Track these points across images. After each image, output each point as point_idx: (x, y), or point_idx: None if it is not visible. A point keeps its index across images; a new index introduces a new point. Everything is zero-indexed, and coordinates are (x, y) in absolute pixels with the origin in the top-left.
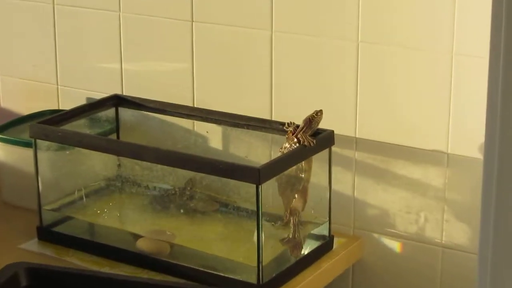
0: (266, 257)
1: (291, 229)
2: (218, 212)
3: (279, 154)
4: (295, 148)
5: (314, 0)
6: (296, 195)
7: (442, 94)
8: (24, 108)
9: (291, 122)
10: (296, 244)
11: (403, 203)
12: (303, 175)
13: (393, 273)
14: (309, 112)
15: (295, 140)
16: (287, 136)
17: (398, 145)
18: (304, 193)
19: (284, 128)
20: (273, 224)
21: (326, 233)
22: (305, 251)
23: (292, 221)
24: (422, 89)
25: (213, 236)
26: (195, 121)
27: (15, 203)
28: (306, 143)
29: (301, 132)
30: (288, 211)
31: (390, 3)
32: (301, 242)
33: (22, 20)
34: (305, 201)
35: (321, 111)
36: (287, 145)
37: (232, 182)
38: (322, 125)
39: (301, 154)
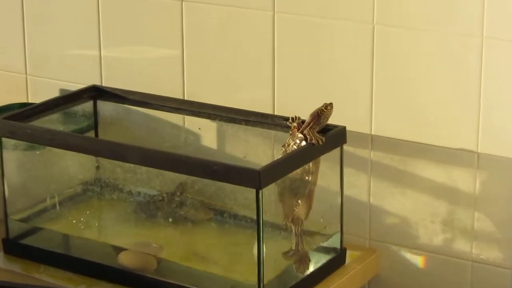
0: (268, 274)
1: (294, 240)
2: (213, 221)
3: (281, 153)
4: (301, 147)
5: None
6: (299, 201)
7: (471, 84)
8: None
9: (296, 117)
10: (301, 257)
11: (427, 211)
12: (309, 178)
13: None
14: (317, 105)
15: (301, 136)
16: (291, 132)
17: (420, 143)
18: (309, 198)
19: (288, 123)
20: (280, 233)
21: (337, 245)
22: (314, 266)
23: (294, 231)
24: (447, 78)
25: (207, 249)
26: (186, 116)
27: None
28: (313, 141)
29: (307, 128)
30: (290, 219)
31: None
32: (306, 255)
33: None
34: (309, 208)
35: (331, 104)
36: (291, 142)
37: (229, 186)
38: (332, 120)
39: (308, 154)
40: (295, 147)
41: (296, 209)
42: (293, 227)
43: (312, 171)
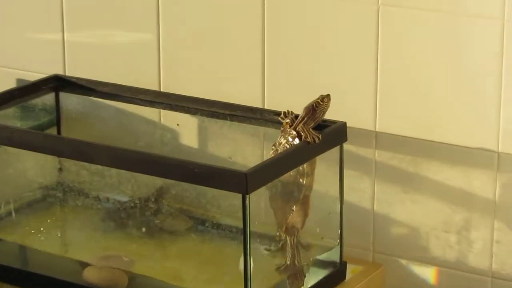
0: None
1: (289, 253)
2: (192, 232)
3: (272, 153)
4: (294, 145)
5: None
6: (294, 208)
7: (490, 74)
8: None
9: (288, 112)
10: (296, 273)
11: (439, 219)
12: (304, 181)
13: None
14: (312, 98)
15: (294, 134)
16: (282, 128)
17: (432, 141)
18: (304, 205)
19: (280, 119)
20: (267, 249)
21: (336, 258)
22: (309, 282)
23: (289, 242)
24: (464, 67)
25: (185, 263)
26: (162, 110)
27: None
28: (309, 139)
29: (301, 124)
30: (283, 229)
31: None
32: (302, 270)
33: None
34: (305, 215)
35: (328, 96)
36: (282, 140)
37: (211, 191)
38: (331, 115)
39: (303, 153)
40: (287, 146)
41: (290, 217)
42: (288, 238)
43: (308, 173)
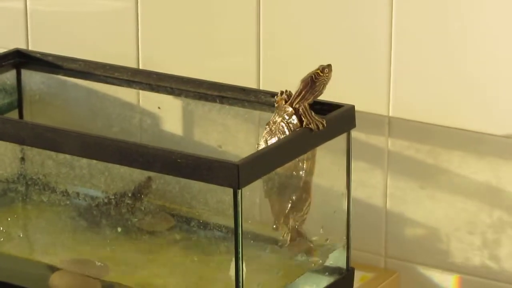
0: None
1: (288, 231)
2: (176, 232)
3: (265, 133)
4: (294, 132)
5: None
6: (293, 197)
7: None
8: None
9: (285, 91)
10: (307, 247)
11: (463, 219)
12: (303, 165)
13: None
14: None
15: (290, 110)
16: (277, 104)
17: (456, 128)
18: (305, 191)
19: (276, 100)
20: (278, 245)
21: (342, 264)
22: None
23: (288, 226)
24: (491, 40)
25: (167, 268)
26: (141, 91)
27: None
28: (312, 125)
29: (298, 99)
30: (281, 220)
31: None
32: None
33: None
34: (306, 202)
35: (329, 66)
36: (277, 119)
37: (198, 185)
38: (337, 97)
39: (304, 142)
40: (283, 124)
41: (288, 207)
42: (287, 229)
43: (308, 157)
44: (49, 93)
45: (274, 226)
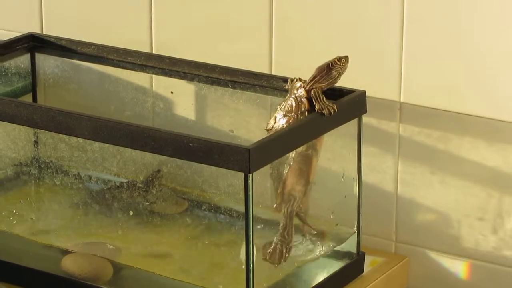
0: (259, 285)
1: (280, 224)
2: (187, 215)
3: (276, 112)
4: (305, 118)
5: None
6: (289, 169)
7: None
8: None
9: (297, 78)
10: (281, 245)
11: (473, 204)
12: (307, 151)
13: None
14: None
15: (303, 93)
16: (289, 87)
17: (465, 114)
18: (305, 168)
19: (287, 87)
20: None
21: (353, 249)
22: (322, 276)
23: (284, 211)
24: (502, 26)
25: (179, 252)
26: (154, 76)
27: None
28: (325, 110)
29: (312, 82)
30: (280, 199)
31: None
32: (289, 244)
33: None
34: (307, 183)
35: (346, 57)
36: (290, 103)
37: (209, 169)
38: (348, 83)
39: (315, 127)
40: (293, 103)
41: (286, 181)
42: (282, 207)
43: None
44: (62, 77)
45: (275, 206)
